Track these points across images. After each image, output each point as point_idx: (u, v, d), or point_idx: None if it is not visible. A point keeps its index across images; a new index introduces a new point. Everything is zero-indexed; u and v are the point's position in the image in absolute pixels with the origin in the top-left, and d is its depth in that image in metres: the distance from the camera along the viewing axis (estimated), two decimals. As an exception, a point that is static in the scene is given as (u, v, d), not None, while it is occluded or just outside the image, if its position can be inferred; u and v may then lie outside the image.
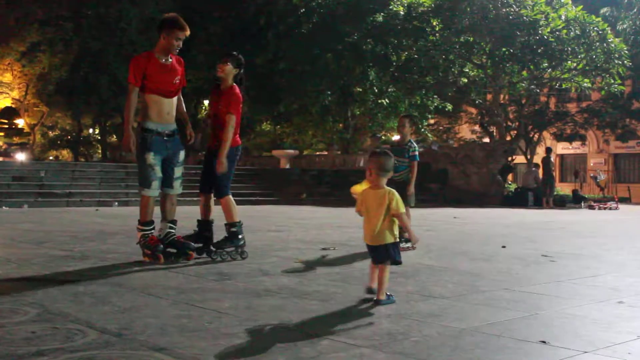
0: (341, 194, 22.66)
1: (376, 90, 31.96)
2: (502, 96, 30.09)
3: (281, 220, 12.91)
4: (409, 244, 7.51)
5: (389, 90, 31.93)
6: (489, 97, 30.86)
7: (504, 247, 8.30)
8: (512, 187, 28.99)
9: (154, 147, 6.35)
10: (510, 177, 34.09)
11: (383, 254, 4.54)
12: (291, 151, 34.46)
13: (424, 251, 7.75)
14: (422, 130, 35.55)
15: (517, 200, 25.07)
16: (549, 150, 26.23)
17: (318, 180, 25.59)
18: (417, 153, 8.11)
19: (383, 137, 39.54)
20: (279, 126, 41.30)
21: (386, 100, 31.92)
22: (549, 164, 25.30)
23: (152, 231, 6.45)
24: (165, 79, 6.40)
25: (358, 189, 4.69)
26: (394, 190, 4.55)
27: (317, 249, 7.87)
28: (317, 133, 36.92)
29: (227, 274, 5.81)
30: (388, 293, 4.58)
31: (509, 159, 29.11)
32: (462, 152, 26.66)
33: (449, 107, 32.85)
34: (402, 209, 4.51)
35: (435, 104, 33.01)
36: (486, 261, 6.83)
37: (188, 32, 6.38)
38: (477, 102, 30.70)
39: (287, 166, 31.49)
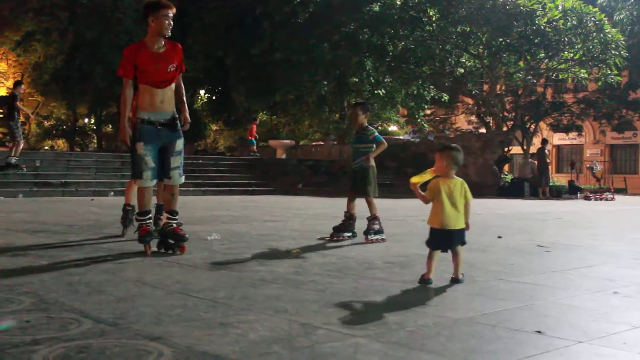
0: (337, 184, 22.63)
1: (372, 81, 31.84)
2: (498, 86, 30.06)
3: (277, 210, 12.91)
4: (378, 236, 7.55)
5: (386, 80, 31.84)
6: (485, 87, 30.85)
7: (499, 237, 8.30)
8: (509, 177, 29.00)
9: (145, 137, 6.25)
10: (506, 167, 34.09)
11: (460, 237, 4.95)
12: (287, 141, 34.12)
13: (419, 241, 7.65)
14: (419, 120, 35.45)
15: (513, 190, 25.10)
16: (544, 141, 26.25)
17: (314, 170, 25.61)
18: (377, 134, 8.04)
19: (379, 128, 39.40)
20: (275, 116, 41.16)
21: (382, 90, 31.83)
22: (544, 155, 25.33)
23: (149, 221, 6.41)
24: (156, 69, 6.28)
25: (418, 179, 5.04)
26: (463, 181, 5.03)
27: (314, 239, 7.86)
28: (313, 123, 36.76)
29: (222, 263, 5.81)
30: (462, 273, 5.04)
31: (506, 149, 29.17)
32: (458, 143, 26.76)
33: (446, 97, 32.83)
34: (471, 197, 5.00)
35: (432, 94, 32.96)
36: (482, 251, 6.83)
37: (174, 9, 6.31)
38: (473, 92, 30.67)
39: (284, 156, 31.19)
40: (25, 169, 18.81)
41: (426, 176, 5.03)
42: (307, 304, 4.12)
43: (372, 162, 7.90)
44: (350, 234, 7.94)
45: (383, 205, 16.15)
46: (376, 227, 7.72)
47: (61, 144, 47.73)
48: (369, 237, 7.61)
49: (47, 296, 4.19)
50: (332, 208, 7.88)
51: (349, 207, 8.05)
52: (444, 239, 4.91)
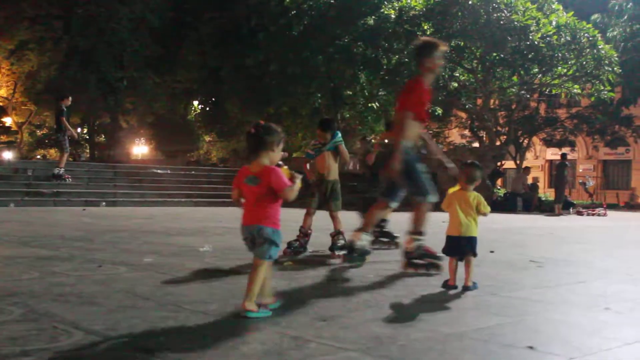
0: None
1: (366, 94, 31.88)
2: (492, 101, 30.10)
3: None
4: (345, 252, 7.48)
5: (380, 93, 31.82)
6: (479, 101, 30.83)
7: (492, 252, 8.29)
8: (502, 192, 29.03)
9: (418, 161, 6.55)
10: (499, 182, 34.11)
11: (469, 245, 5.30)
12: (281, 153, 34.67)
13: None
14: None
15: (506, 205, 25.15)
16: (564, 156, 25.78)
17: (308, 183, 25.89)
18: (308, 151, 7.96)
19: (373, 141, 39.37)
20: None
21: (376, 103, 31.84)
22: (563, 171, 25.00)
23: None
24: (426, 106, 6.49)
25: (450, 190, 5.55)
26: (479, 195, 5.41)
27: (307, 252, 7.81)
28: (307, 135, 36.79)
29: (215, 275, 5.78)
30: (474, 281, 5.32)
31: (498, 164, 29.24)
32: (451, 157, 26.59)
33: (439, 111, 32.83)
34: (488, 209, 5.42)
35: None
36: (475, 266, 6.78)
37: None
38: (467, 106, 30.60)
39: None
40: (69, 180, 19.08)
41: (455, 188, 5.54)
42: (298, 316, 4.10)
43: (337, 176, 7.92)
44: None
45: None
46: (341, 242, 7.62)
47: (53, 153, 47.63)
48: (336, 252, 7.53)
49: (37, 307, 4.16)
50: (326, 220, 7.82)
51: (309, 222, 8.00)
52: (455, 245, 5.32)
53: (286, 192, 4.00)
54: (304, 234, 7.78)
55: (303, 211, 7.87)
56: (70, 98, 19.15)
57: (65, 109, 18.75)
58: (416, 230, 6.37)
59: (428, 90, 6.57)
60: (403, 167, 6.25)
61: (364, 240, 6.65)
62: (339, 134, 7.87)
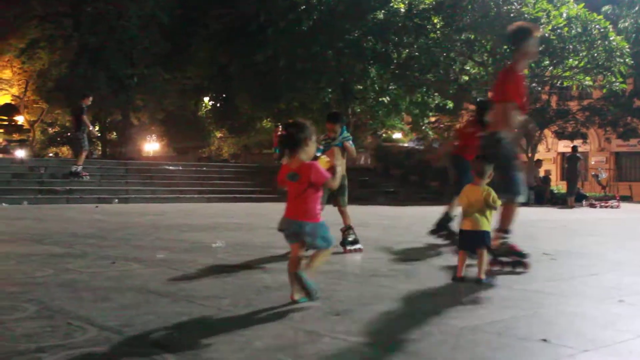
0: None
1: (377, 88, 31.70)
2: None
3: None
4: (356, 246, 7.46)
5: (390, 87, 31.65)
6: (490, 94, 30.64)
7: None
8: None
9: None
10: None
11: (479, 239, 5.30)
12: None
13: (425, 249, 7.74)
14: (423, 127, 35.38)
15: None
16: (575, 148, 25.55)
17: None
18: (347, 137, 7.62)
19: (384, 135, 39.00)
20: (279, 123, 41.20)
21: (387, 97, 31.64)
22: (576, 164, 24.81)
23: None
24: (524, 94, 6.34)
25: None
26: (490, 189, 5.37)
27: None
28: (318, 130, 36.83)
29: (227, 271, 5.74)
30: (489, 276, 5.28)
31: None
32: None
33: (450, 104, 32.74)
34: (498, 203, 5.38)
35: (436, 102, 32.84)
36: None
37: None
38: (478, 99, 30.51)
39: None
40: (87, 177, 19.25)
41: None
42: (312, 311, 4.06)
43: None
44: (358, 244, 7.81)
45: (388, 212, 16.07)
46: (351, 237, 7.57)
47: (65, 151, 47.78)
48: (347, 247, 7.46)
49: (51, 304, 4.16)
50: (336, 215, 7.73)
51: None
52: (466, 239, 5.37)
53: (327, 184, 4.26)
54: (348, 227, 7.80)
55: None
56: (90, 98, 19.19)
57: (85, 107, 18.76)
58: (503, 228, 6.19)
59: (523, 77, 6.42)
60: (501, 161, 6.02)
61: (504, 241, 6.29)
62: (346, 130, 7.75)
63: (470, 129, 8.20)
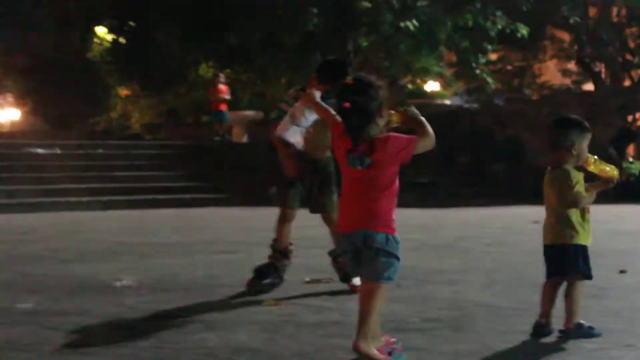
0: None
1: (396, 5, 20.95)
2: (615, 10, 21.99)
3: (234, 234, 10.13)
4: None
5: (419, 4, 21.26)
6: (592, 12, 22.41)
7: (622, 271, 6.29)
8: (635, 167, 19.35)
9: None
10: (631, 149, 23.37)
11: (559, 259, 3.90)
12: (250, 113, 23.70)
13: (483, 281, 5.84)
14: (478, 72, 23.32)
15: None
16: None
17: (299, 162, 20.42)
18: (282, 107, 5.53)
19: (410, 86, 26.19)
20: (228, 71, 25.05)
21: (414, 21, 20.49)
22: None
23: None
24: None
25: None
26: (568, 173, 3.86)
27: (298, 282, 5.77)
28: (295, 80, 21.63)
29: (141, 330, 4.28)
30: (582, 321, 3.85)
31: (629, 118, 20.43)
32: (547, 109, 18.34)
33: (524, 31, 21.03)
34: (576, 197, 3.84)
35: (500, 26, 21.36)
36: (594, 297, 4.91)
37: None
38: (571, 21, 21.42)
39: (244, 139, 22.23)
40: None
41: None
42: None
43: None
44: None
45: (420, 219, 11.82)
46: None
47: None
48: (353, 282, 5.45)
49: None
50: (325, 227, 5.83)
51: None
52: (548, 259, 4.01)
53: (421, 145, 3.36)
54: (281, 252, 5.58)
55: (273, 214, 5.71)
56: None
57: None
58: None
59: None
60: None
61: None
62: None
63: None
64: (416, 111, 3.43)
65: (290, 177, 5.23)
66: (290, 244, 5.45)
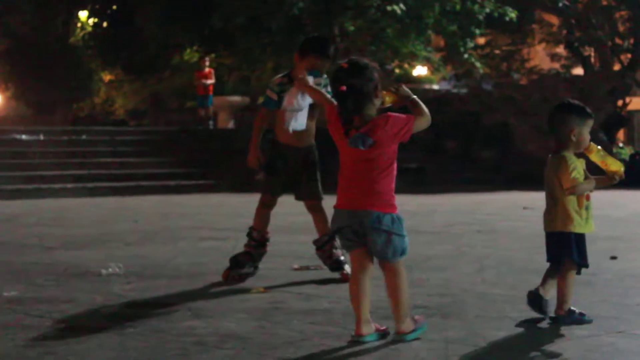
0: (327, 167, 16.08)
1: None
2: None
3: (221, 221, 9.97)
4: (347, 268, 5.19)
5: None
6: None
7: (613, 257, 6.23)
8: (626, 152, 20.25)
9: None
10: (621, 134, 24.03)
11: (554, 246, 3.93)
12: (236, 98, 23.74)
13: (473, 268, 5.78)
14: (466, 56, 22.64)
15: (634, 175, 18.71)
16: None
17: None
18: (268, 95, 5.23)
19: (397, 71, 24.99)
20: (213, 55, 24.77)
21: (401, 5, 19.60)
22: None
23: None
24: None
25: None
26: (566, 158, 3.84)
27: (286, 268, 5.73)
28: (281, 64, 21.48)
29: (128, 316, 4.25)
30: (574, 308, 3.88)
31: (619, 103, 20.25)
32: (535, 94, 18.42)
33: (513, 14, 20.67)
34: (571, 183, 3.80)
35: (488, 10, 20.83)
36: (586, 283, 4.88)
37: None
38: (560, 4, 20.86)
39: (230, 125, 22.35)
40: None
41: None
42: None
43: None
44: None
45: (408, 205, 11.31)
46: (342, 254, 5.50)
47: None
48: (345, 271, 5.33)
49: None
50: (300, 214, 5.93)
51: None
52: (546, 245, 4.06)
53: (418, 124, 3.45)
54: (258, 241, 5.47)
55: (254, 201, 5.53)
56: None
57: None
58: None
59: None
60: None
61: None
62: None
63: None
64: (408, 90, 3.49)
65: (266, 164, 5.18)
66: (267, 232, 5.35)
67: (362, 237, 3.45)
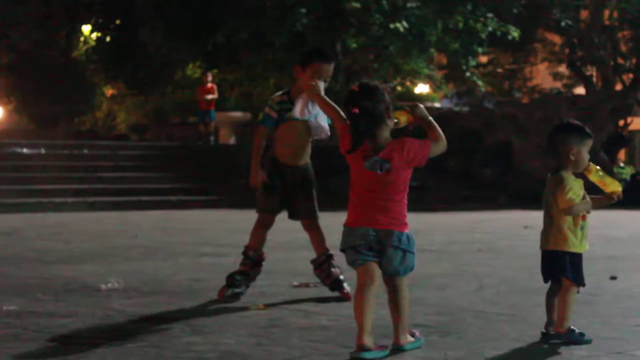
0: (325, 185, 16.13)
1: (385, 6, 20.48)
2: (607, 13, 21.54)
3: (222, 236, 10.00)
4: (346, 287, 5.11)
5: (409, 5, 20.70)
6: (583, 14, 22.36)
7: (613, 277, 6.19)
8: (627, 172, 19.84)
9: None
10: (622, 154, 24.25)
11: (549, 265, 3.93)
12: (238, 114, 24.08)
13: (473, 287, 5.76)
14: (468, 75, 22.69)
15: (636, 194, 18.86)
16: None
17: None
18: (267, 112, 5.20)
19: (399, 88, 24.54)
20: (215, 71, 24.93)
21: (404, 22, 20.10)
22: None
23: None
24: None
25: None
26: (564, 177, 3.83)
27: (286, 285, 5.72)
28: (283, 81, 21.57)
29: (128, 332, 4.26)
30: (574, 327, 3.82)
31: (621, 123, 20.43)
32: (537, 112, 18.30)
33: (515, 33, 20.78)
34: (567, 204, 3.79)
35: (491, 28, 21.04)
36: (584, 304, 4.81)
37: None
38: (562, 24, 21.23)
39: (232, 141, 22.71)
40: None
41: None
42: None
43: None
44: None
45: (410, 223, 12.73)
46: (341, 273, 5.44)
47: None
48: (345, 290, 5.28)
49: None
50: (295, 232, 5.87)
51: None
52: (542, 264, 4.03)
53: (434, 149, 3.60)
54: (254, 261, 5.38)
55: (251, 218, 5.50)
56: None
57: None
58: None
59: None
60: None
61: None
62: None
63: None
64: (425, 111, 3.53)
65: (264, 183, 5.12)
66: (264, 252, 5.31)
67: (376, 252, 3.50)
